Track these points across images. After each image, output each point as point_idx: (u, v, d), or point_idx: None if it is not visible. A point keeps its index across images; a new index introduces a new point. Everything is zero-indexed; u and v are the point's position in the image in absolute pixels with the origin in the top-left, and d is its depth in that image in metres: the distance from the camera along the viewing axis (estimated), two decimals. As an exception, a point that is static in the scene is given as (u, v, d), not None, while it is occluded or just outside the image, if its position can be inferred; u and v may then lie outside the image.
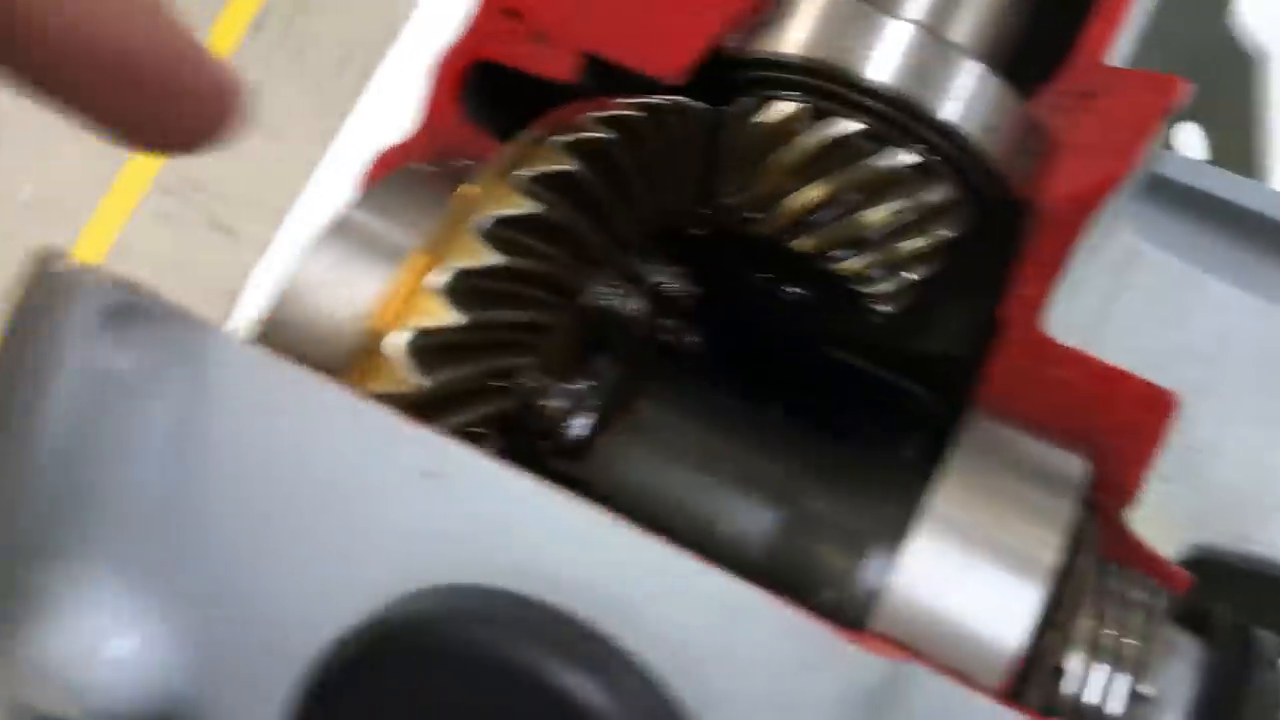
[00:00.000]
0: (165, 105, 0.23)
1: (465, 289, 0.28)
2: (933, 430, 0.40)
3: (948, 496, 0.29)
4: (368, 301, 0.29)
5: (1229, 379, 0.36)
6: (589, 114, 0.30)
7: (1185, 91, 0.32)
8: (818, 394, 0.41)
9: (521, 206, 0.28)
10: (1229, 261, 0.40)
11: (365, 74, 2.88)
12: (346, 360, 0.28)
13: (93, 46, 0.22)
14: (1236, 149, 0.54)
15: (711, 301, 0.37)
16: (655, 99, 0.31)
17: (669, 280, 0.35)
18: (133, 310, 0.24)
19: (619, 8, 0.34)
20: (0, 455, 0.24)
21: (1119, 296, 0.36)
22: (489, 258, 0.28)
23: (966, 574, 0.28)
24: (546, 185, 0.29)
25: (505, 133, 0.35)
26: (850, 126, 0.33)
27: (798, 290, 0.37)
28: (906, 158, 0.32)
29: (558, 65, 0.34)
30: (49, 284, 0.24)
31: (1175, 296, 0.36)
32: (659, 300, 0.35)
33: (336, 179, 0.84)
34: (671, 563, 0.23)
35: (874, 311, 0.35)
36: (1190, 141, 0.56)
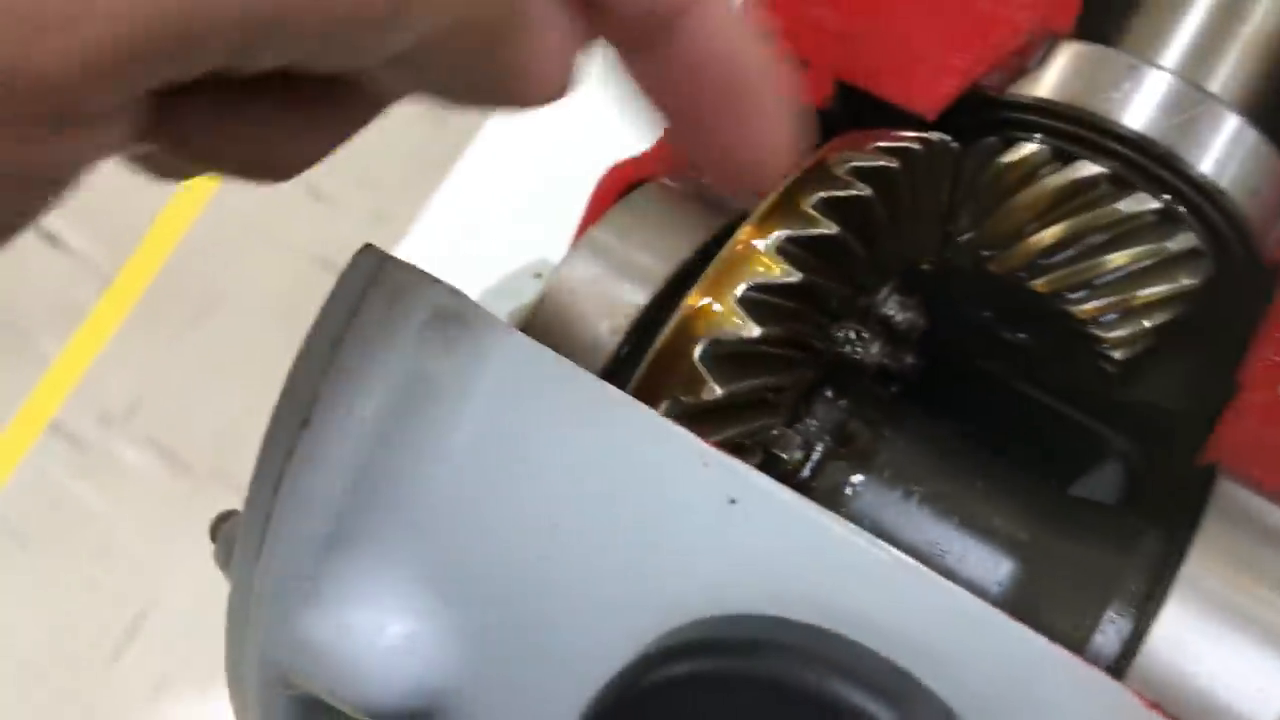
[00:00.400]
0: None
1: (761, 303, 0.28)
2: (1130, 482, 0.40)
3: (1204, 563, 0.29)
4: (630, 314, 0.30)
5: None
6: (872, 144, 0.30)
7: None
8: (1020, 433, 0.41)
9: (816, 227, 0.28)
10: None
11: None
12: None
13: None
14: None
15: (931, 335, 0.37)
16: (930, 135, 0.31)
17: (899, 311, 0.35)
18: (456, 315, 0.24)
19: (881, 39, 0.34)
20: (309, 445, 0.25)
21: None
22: (787, 274, 0.28)
23: (1223, 647, 0.27)
24: (838, 210, 0.29)
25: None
26: (1095, 169, 0.32)
27: (1021, 334, 0.37)
28: (1152, 203, 0.32)
29: (813, 90, 0.34)
30: (376, 282, 0.24)
31: None
32: (889, 334, 0.35)
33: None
34: (972, 610, 0.23)
35: (1103, 357, 0.35)
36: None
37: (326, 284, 0.27)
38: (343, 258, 0.27)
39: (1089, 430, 0.41)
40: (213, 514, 0.35)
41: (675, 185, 0.35)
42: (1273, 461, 0.33)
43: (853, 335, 0.33)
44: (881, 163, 0.30)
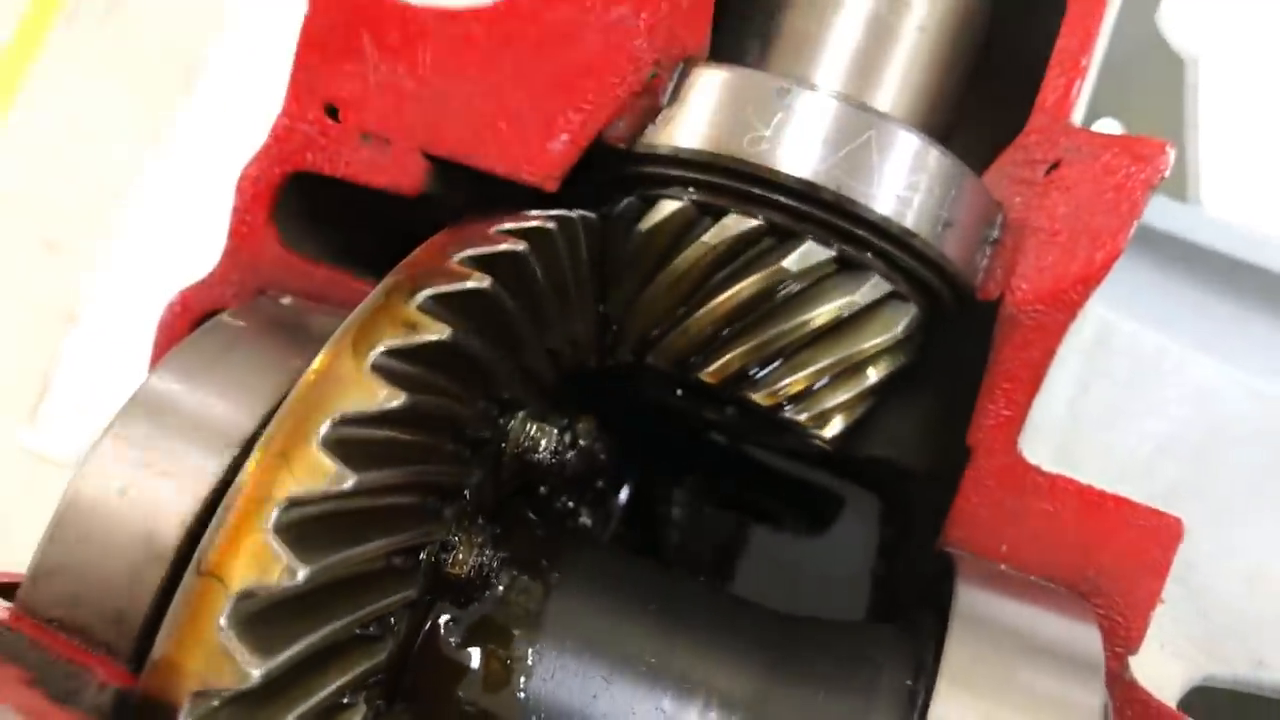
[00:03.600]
0: None
1: (359, 442, 0.20)
2: (883, 552, 0.34)
3: (954, 699, 0.23)
4: (191, 504, 0.22)
5: (1221, 474, 0.31)
6: (492, 229, 0.23)
7: (1169, 158, 0.27)
8: (759, 495, 0.35)
9: (424, 333, 0.21)
10: (1212, 329, 0.35)
11: (188, 66, 2.72)
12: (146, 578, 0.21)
13: None
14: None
15: (630, 431, 0.31)
16: (560, 212, 0.24)
17: (584, 431, 0.29)
18: None
19: (470, 99, 0.26)
20: None
21: (1091, 386, 0.30)
22: (387, 398, 0.21)
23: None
24: (452, 308, 0.22)
25: (334, 254, 0.28)
26: (748, 223, 0.26)
27: (727, 410, 0.30)
28: (823, 254, 0.26)
29: (399, 174, 0.27)
30: None
31: (1153, 379, 0.31)
32: (576, 450, 0.28)
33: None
34: None
35: (810, 436, 0.29)
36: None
37: None
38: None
39: (829, 491, 0.35)
40: None
41: (247, 314, 0.27)
42: (1017, 529, 0.27)
43: (526, 431, 0.26)
44: (504, 247, 0.23)
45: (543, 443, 0.25)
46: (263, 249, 0.28)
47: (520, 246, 0.24)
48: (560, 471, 0.27)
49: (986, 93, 0.32)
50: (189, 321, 0.28)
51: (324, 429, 0.21)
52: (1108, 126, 0.54)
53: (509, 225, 0.24)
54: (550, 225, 0.25)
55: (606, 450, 0.31)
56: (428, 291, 0.22)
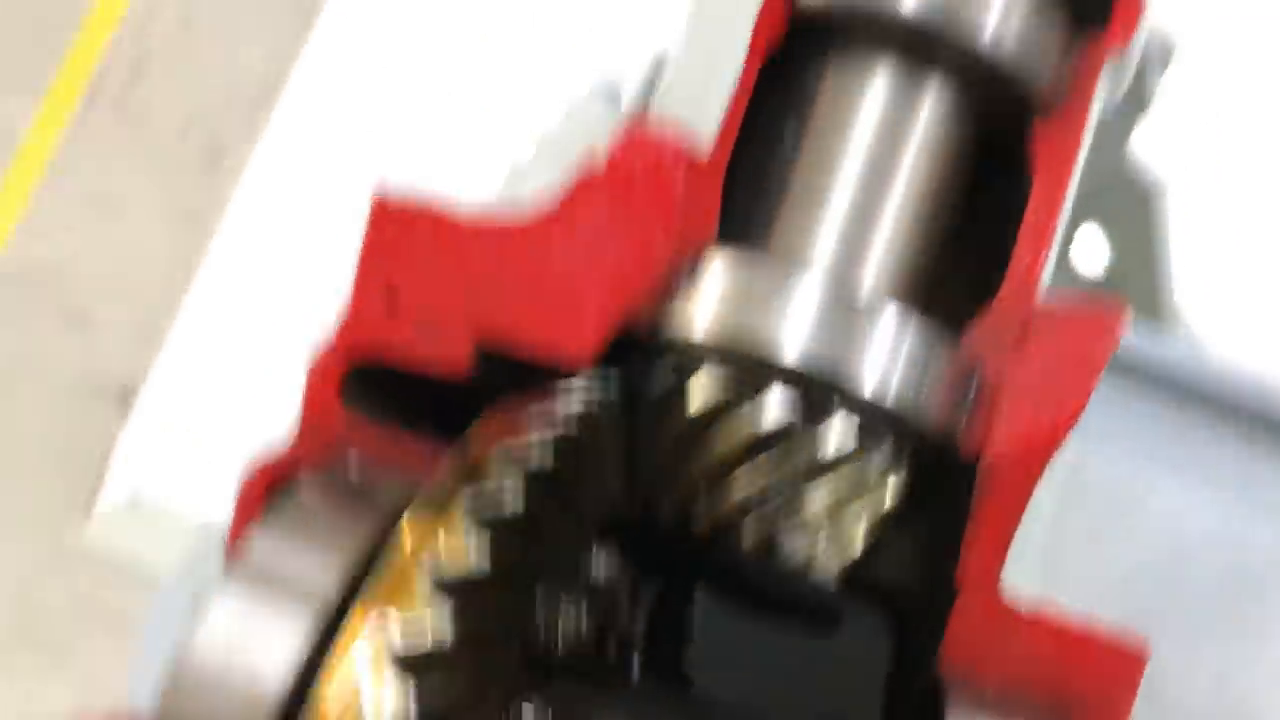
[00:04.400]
0: None
1: (422, 658, 0.24)
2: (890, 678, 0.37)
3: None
4: (286, 671, 0.26)
5: (1192, 595, 0.34)
6: (528, 421, 0.27)
7: (1125, 327, 0.30)
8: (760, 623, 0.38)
9: (474, 553, 0.25)
10: (1182, 453, 0.38)
11: (210, 140, 2.78)
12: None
13: None
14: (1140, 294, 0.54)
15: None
16: (595, 397, 0.28)
17: (613, 573, 0.32)
18: None
19: (512, 286, 0.30)
20: None
21: (1067, 520, 0.34)
22: (446, 623, 0.24)
23: None
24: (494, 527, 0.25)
25: (399, 418, 0.32)
26: (772, 416, 0.30)
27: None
28: (836, 438, 0.30)
29: (449, 360, 0.30)
30: None
31: (1126, 507, 0.34)
32: (605, 600, 0.32)
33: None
34: None
35: (821, 572, 0.32)
36: (1093, 249, 0.55)
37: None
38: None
39: (835, 607, 0.38)
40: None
41: (324, 480, 0.31)
42: (1000, 663, 0.31)
43: (555, 601, 0.30)
44: (549, 441, 0.27)
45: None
46: (333, 422, 0.31)
47: (571, 430, 0.28)
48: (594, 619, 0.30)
49: (961, 249, 0.36)
50: (265, 490, 0.31)
51: (422, 587, 0.25)
52: (1090, 232, 0.58)
53: (556, 409, 0.28)
54: (584, 410, 0.29)
55: (632, 579, 0.35)
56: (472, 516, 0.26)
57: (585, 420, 0.27)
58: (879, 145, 0.33)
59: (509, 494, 0.25)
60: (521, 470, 0.26)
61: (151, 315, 2.41)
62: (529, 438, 0.27)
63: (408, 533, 0.26)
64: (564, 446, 0.26)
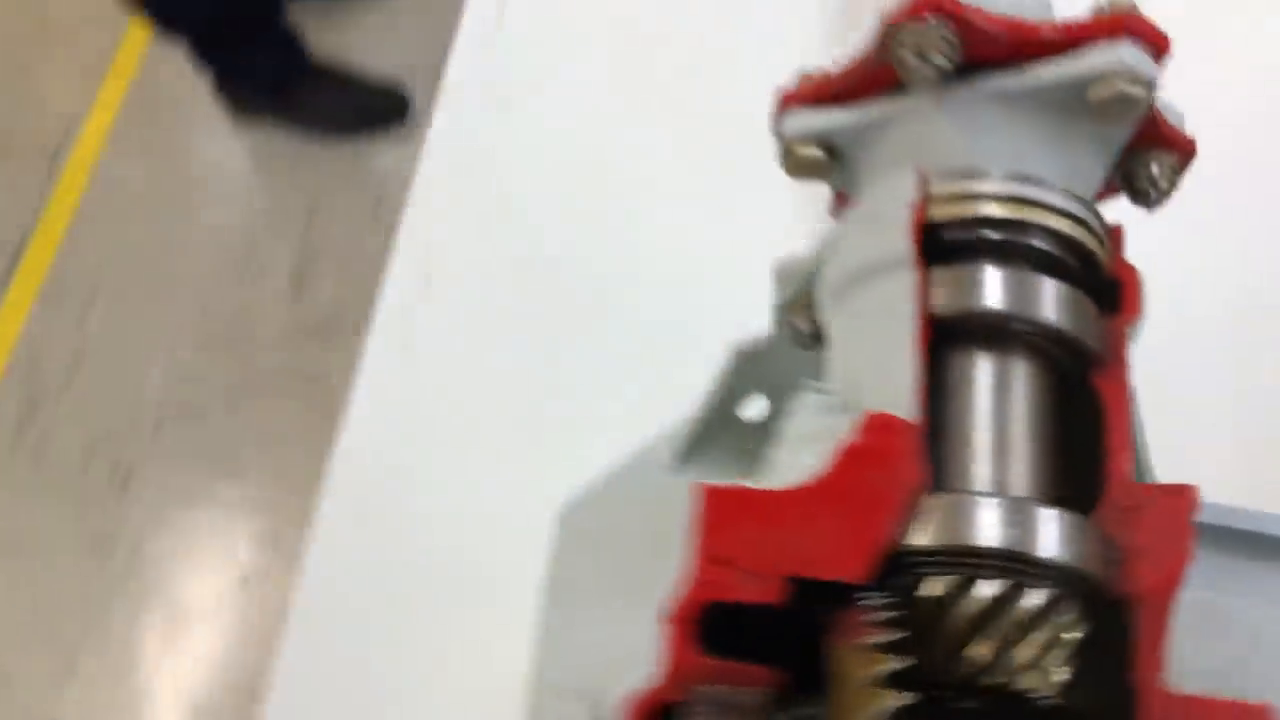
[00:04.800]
0: None
1: None
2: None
3: None
4: None
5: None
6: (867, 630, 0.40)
7: (1200, 497, 0.46)
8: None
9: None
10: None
11: (113, 468, 2.82)
12: None
13: None
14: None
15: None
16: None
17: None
18: None
19: (802, 531, 0.44)
20: None
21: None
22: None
23: None
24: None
25: (734, 652, 0.44)
26: (1037, 599, 0.44)
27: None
28: (1040, 599, 0.44)
29: (768, 593, 0.43)
30: None
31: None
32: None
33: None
34: None
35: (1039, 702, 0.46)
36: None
37: None
38: None
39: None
40: None
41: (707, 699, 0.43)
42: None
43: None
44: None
45: None
46: (689, 663, 0.43)
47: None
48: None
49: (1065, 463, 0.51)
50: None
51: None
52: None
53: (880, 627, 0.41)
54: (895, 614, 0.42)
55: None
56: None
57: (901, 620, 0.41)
58: (999, 397, 0.49)
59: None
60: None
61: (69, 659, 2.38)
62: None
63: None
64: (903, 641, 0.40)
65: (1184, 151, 0.52)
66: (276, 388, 2.80)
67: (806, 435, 0.47)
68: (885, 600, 0.42)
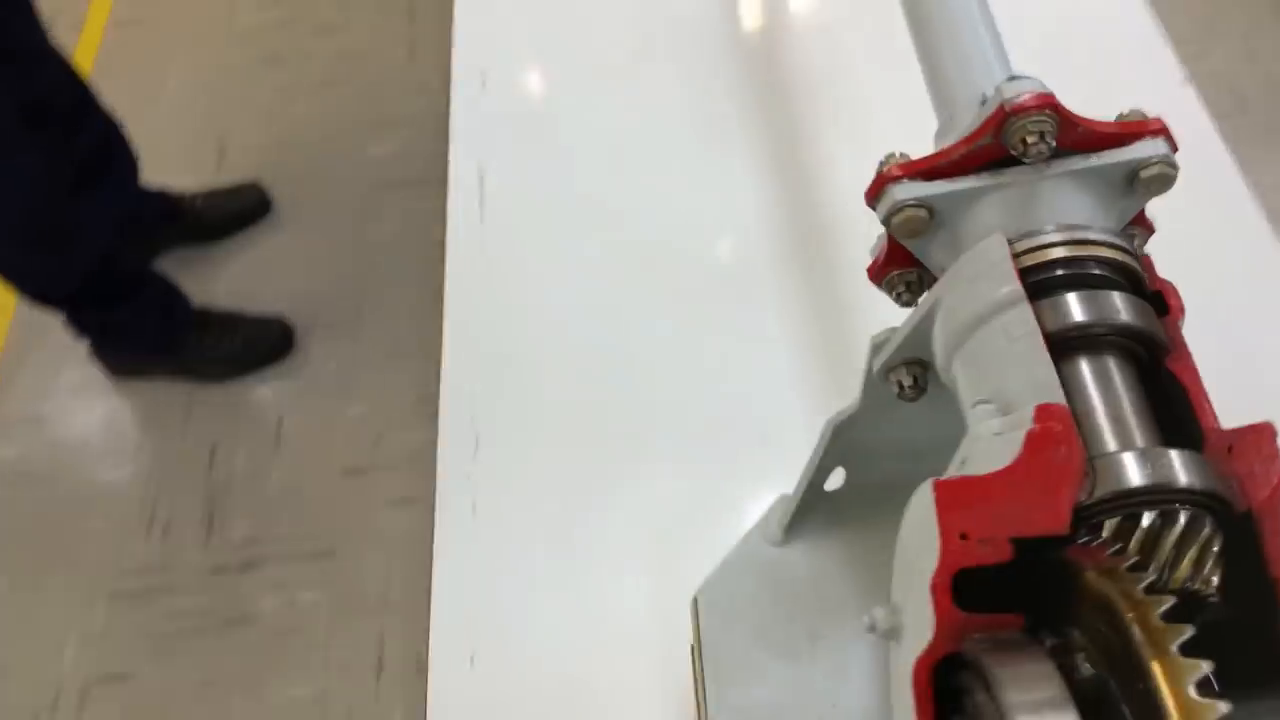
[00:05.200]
0: None
1: None
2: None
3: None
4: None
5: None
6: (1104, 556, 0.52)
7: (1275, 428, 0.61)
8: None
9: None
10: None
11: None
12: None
13: None
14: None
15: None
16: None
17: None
18: None
19: (1014, 502, 0.56)
20: None
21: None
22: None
23: None
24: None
25: (981, 606, 0.55)
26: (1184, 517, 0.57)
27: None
28: (1192, 518, 0.57)
29: (1001, 554, 0.56)
30: None
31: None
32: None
33: None
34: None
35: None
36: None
37: None
38: None
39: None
40: None
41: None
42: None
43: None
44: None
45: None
46: (951, 620, 0.55)
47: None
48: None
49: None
50: (929, 674, 0.53)
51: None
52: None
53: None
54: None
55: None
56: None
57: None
58: (1103, 385, 0.63)
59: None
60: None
61: None
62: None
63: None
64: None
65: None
66: (202, 634, 2.75)
67: (987, 436, 0.60)
68: (1112, 536, 0.55)
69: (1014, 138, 0.63)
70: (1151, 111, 0.66)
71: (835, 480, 0.88)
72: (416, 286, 3.22)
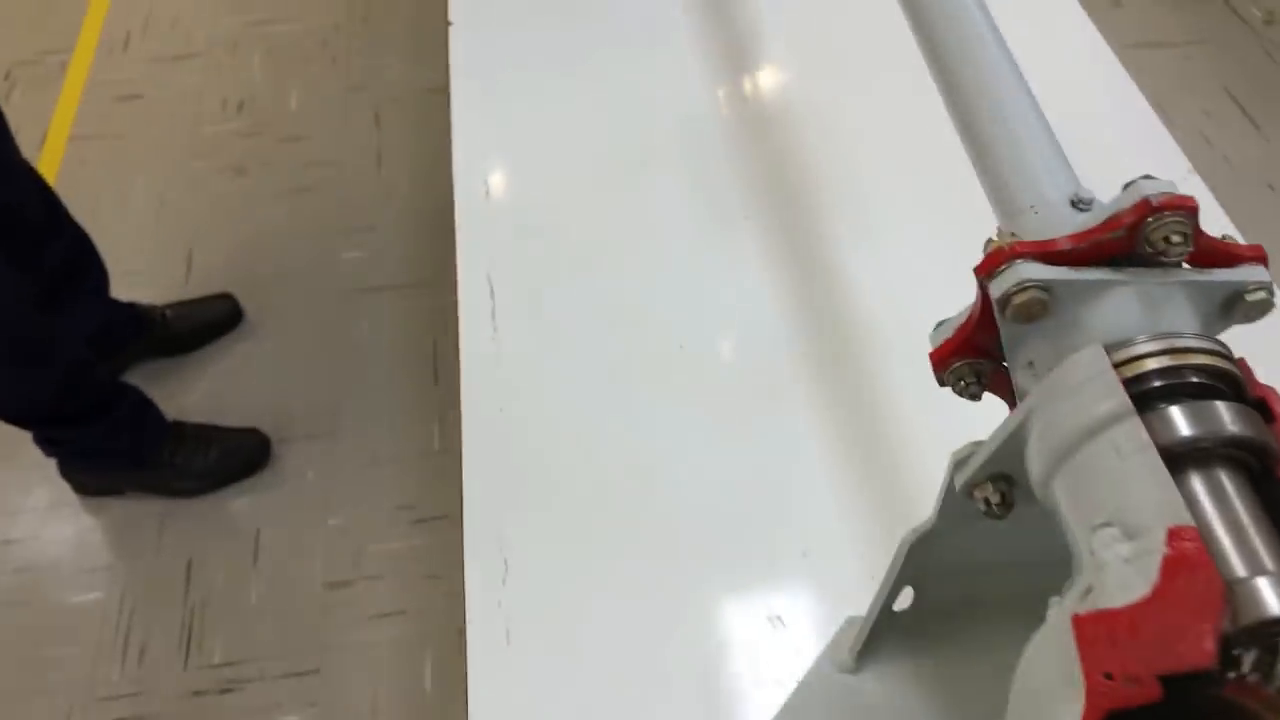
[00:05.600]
0: None
1: None
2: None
3: None
4: None
5: None
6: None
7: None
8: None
9: None
10: None
11: None
12: None
13: None
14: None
15: None
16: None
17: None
18: None
19: (1159, 633, 0.53)
20: None
21: None
22: None
23: None
24: None
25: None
26: None
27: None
28: None
29: (1151, 693, 0.52)
30: None
31: None
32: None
33: None
34: None
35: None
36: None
37: None
38: None
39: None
40: None
41: None
42: None
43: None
44: None
45: None
46: None
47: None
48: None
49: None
50: None
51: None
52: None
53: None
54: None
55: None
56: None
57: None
58: (1218, 501, 0.60)
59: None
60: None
61: None
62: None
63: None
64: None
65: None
66: (183, 763, 2.63)
67: (1116, 563, 0.57)
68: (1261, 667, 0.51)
69: (1156, 235, 0.61)
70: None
71: (904, 600, 0.84)
72: (393, 393, 3.17)
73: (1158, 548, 0.54)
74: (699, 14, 1.63)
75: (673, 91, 1.56)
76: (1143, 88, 1.53)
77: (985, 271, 0.62)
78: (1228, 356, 0.64)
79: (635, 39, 1.62)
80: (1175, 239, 0.59)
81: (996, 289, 0.63)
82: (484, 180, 1.44)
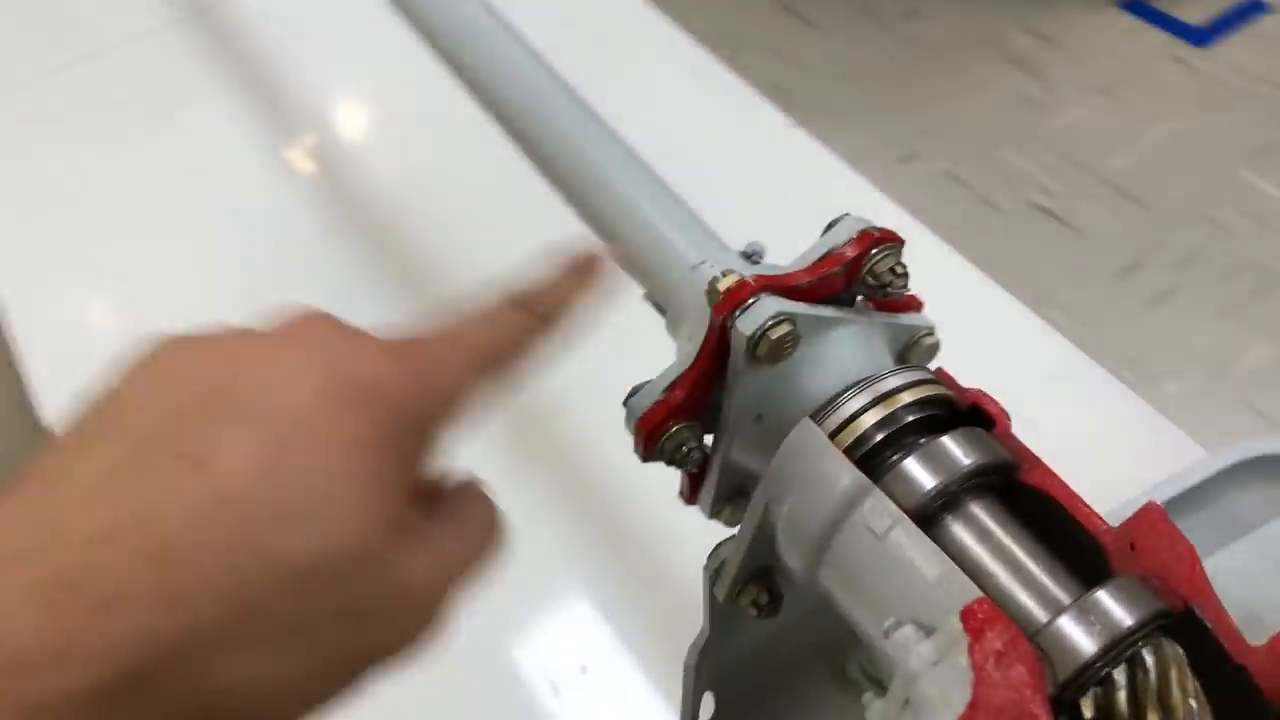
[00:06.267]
0: None
1: None
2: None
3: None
4: None
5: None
6: None
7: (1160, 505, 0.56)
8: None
9: None
10: None
11: None
12: None
13: None
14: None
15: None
16: None
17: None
18: None
19: None
20: None
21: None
22: None
23: None
24: None
25: None
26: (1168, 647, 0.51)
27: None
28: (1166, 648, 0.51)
29: None
30: None
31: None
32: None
33: None
34: None
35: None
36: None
37: None
38: None
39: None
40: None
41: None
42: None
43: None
44: None
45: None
46: None
47: None
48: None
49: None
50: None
51: None
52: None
53: None
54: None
55: None
56: None
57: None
58: (984, 541, 0.56)
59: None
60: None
61: None
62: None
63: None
64: None
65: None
66: None
67: (925, 670, 0.51)
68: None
69: (882, 266, 0.58)
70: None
71: (707, 708, 0.77)
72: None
73: (958, 638, 0.49)
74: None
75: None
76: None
77: (729, 307, 0.55)
78: (931, 380, 0.60)
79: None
80: (899, 269, 0.58)
81: (747, 325, 0.55)
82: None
